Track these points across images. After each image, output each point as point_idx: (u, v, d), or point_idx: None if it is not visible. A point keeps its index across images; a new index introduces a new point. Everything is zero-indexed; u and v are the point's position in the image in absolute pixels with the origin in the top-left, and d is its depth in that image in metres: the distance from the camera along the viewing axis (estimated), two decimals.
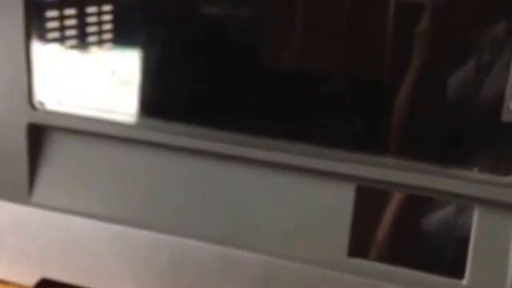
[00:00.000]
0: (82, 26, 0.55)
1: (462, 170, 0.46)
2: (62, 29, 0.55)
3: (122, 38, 0.55)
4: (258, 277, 0.52)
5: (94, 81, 0.55)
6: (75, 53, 0.56)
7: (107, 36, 0.55)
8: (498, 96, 0.44)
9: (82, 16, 0.55)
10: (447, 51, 0.47)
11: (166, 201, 0.55)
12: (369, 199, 0.50)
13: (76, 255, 0.57)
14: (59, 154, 0.57)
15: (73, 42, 0.56)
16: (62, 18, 0.55)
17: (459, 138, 0.47)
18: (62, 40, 0.56)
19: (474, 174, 0.46)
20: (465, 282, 0.47)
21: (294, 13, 0.49)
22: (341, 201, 0.50)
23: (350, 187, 0.50)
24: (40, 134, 0.57)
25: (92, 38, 0.56)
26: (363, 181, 0.49)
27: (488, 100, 0.46)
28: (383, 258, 0.50)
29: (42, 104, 0.56)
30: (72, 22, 0.55)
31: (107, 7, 0.55)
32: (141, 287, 0.56)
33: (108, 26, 0.55)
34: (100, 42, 0.56)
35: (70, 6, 0.55)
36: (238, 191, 0.52)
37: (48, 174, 0.58)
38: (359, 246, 0.50)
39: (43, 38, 0.55)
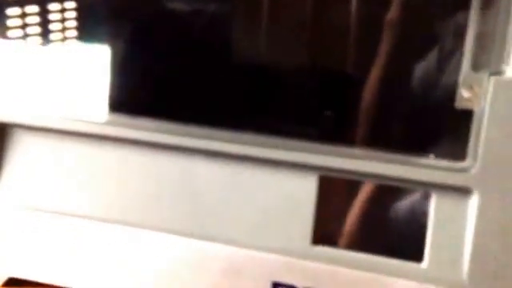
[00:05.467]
0: (44, 23, 0.56)
1: (419, 157, 0.47)
2: (24, 26, 0.55)
3: (86, 34, 0.55)
4: (225, 268, 0.53)
5: (58, 77, 0.55)
6: (38, 49, 0.56)
7: (71, 32, 0.56)
8: (452, 84, 0.46)
9: (44, 13, 0.55)
10: (412, 41, 0.48)
11: (131, 195, 0.55)
12: (331, 188, 0.51)
13: (43, 253, 0.57)
14: (24, 152, 0.57)
15: (36, 38, 0.56)
16: (23, 15, 0.55)
17: (415, 125, 0.49)
18: (24, 37, 0.56)
19: (430, 160, 0.47)
20: (424, 265, 0.49)
21: (259, 6, 0.50)
22: (304, 190, 0.51)
23: (312, 177, 0.51)
24: (4, 132, 0.57)
25: (55, 35, 0.56)
26: (325, 170, 0.50)
27: (442, 88, 0.47)
28: (345, 245, 0.51)
29: (4, 102, 0.56)
30: (34, 19, 0.55)
31: (71, 4, 0.55)
32: (107, 281, 0.56)
33: (72, 23, 0.55)
34: (63, 40, 0.56)
35: (31, 3, 0.55)
36: (202, 183, 0.53)
37: (13, 172, 0.58)
38: (322, 234, 0.51)
39: (4, 35, 0.55)
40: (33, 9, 0.55)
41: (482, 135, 0.45)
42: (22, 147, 0.57)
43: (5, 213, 0.57)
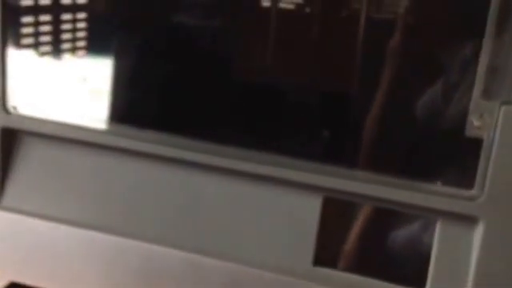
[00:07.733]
0: (56, 33, 0.56)
1: (426, 184, 0.47)
2: (37, 35, 0.55)
3: (95, 45, 0.55)
4: (226, 284, 0.52)
5: (67, 86, 0.56)
6: (49, 59, 0.57)
7: (81, 43, 0.56)
8: (462, 112, 0.46)
9: (56, 23, 0.56)
10: (417, 67, 0.48)
11: (135, 207, 0.55)
12: (335, 210, 0.51)
13: (45, 259, 0.57)
14: (31, 159, 0.57)
15: (47, 48, 0.57)
16: (36, 24, 0.55)
17: (424, 152, 0.48)
18: (36, 46, 0.56)
19: (438, 187, 0.47)
20: None
21: (265, 26, 0.50)
22: (308, 211, 0.51)
23: (317, 198, 0.50)
24: (12, 138, 0.57)
25: (66, 45, 0.56)
26: (330, 192, 0.50)
27: (452, 116, 0.47)
28: (347, 268, 0.51)
29: (15, 108, 0.56)
30: (46, 28, 0.56)
31: (81, 15, 0.55)
32: None
33: (82, 34, 0.55)
34: (73, 49, 0.56)
35: (44, 12, 0.56)
36: (207, 199, 0.53)
37: (19, 177, 0.58)
38: (324, 256, 0.51)
39: (18, 43, 0.55)
40: (45, 18, 0.55)
41: (491, 164, 0.45)
42: (30, 154, 0.57)
43: (10, 217, 0.57)
